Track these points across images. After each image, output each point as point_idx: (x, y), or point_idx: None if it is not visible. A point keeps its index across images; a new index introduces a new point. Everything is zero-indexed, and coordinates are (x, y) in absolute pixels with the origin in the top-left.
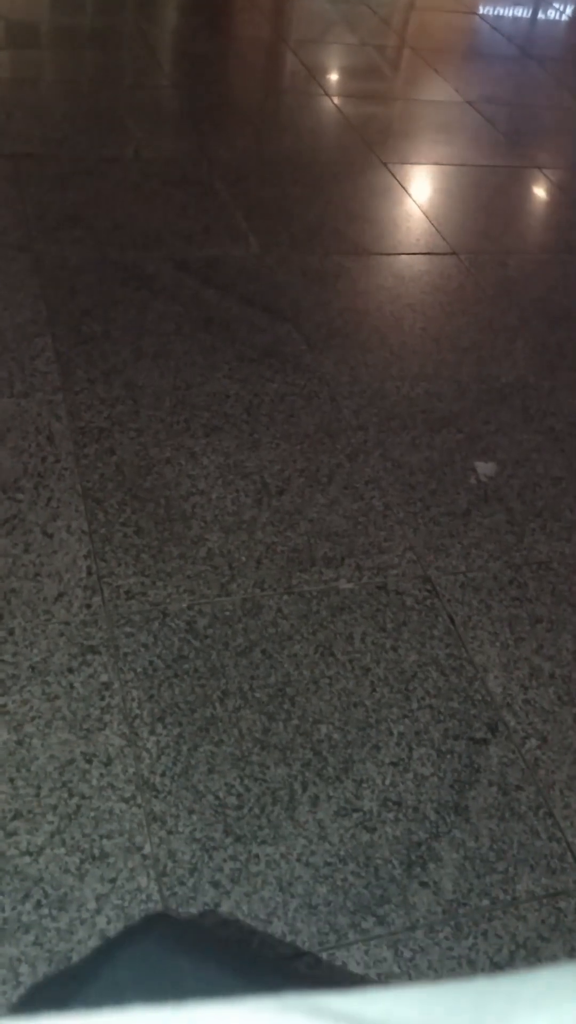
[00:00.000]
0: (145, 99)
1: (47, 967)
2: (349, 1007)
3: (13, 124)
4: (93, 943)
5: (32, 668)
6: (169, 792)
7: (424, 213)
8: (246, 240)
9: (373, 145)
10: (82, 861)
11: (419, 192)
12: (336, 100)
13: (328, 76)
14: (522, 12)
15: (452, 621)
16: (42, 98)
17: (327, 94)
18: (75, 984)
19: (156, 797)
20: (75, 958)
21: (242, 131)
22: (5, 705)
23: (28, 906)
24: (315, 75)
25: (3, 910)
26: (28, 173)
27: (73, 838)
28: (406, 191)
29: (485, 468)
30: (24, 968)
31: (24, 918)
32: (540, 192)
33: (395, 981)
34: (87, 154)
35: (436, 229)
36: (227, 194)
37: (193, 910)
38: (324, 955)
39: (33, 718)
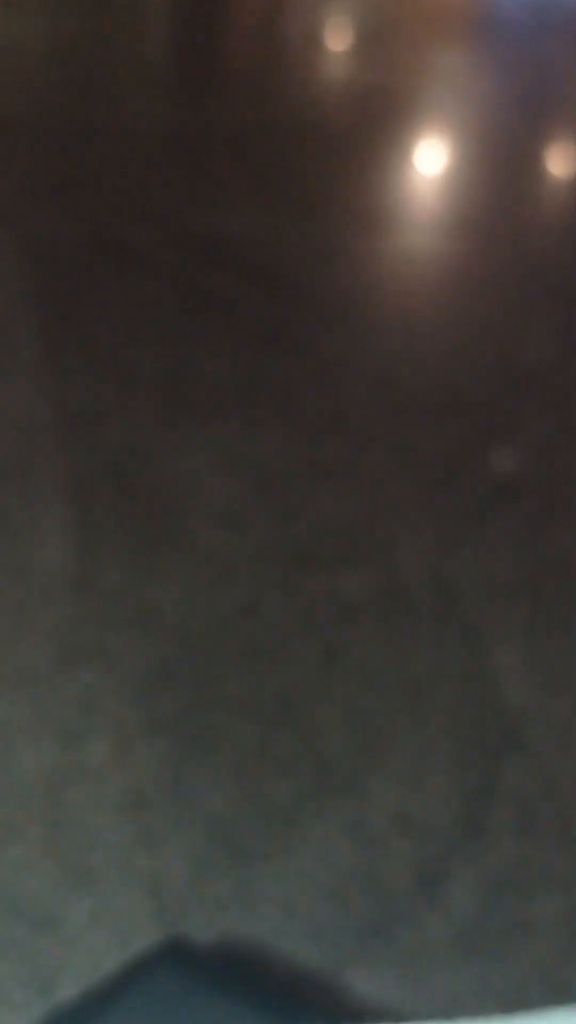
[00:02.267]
0: (139, 66)
1: (36, 986)
2: None
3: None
4: (83, 962)
5: (18, 672)
6: (162, 805)
7: (435, 185)
8: (247, 212)
9: (381, 114)
10: (72, 877)
11: (429, 163)
12: (341, 66)
13: (332, 41)
14: None
15: (467, 624)
16: (30, 66)
17: (331, 60)
18: (86, 1020)
19: (149, 810)
20: (64, 979)
21: (242, 98)
22: None
23: (16, 923)
24: (318, 40)
25: None
26: (16, 144)
27: (62, 853)
28: (416, 163)
29: (501, 459)
30: (13, 987)
31: (11, 936)
32: (558, 167)
33: (404, 1005)
34: (78, 123)
35: (447, 202)
36: (227, 163)
37: (189, 930)
38: (330, 979)
39: (19, 726)
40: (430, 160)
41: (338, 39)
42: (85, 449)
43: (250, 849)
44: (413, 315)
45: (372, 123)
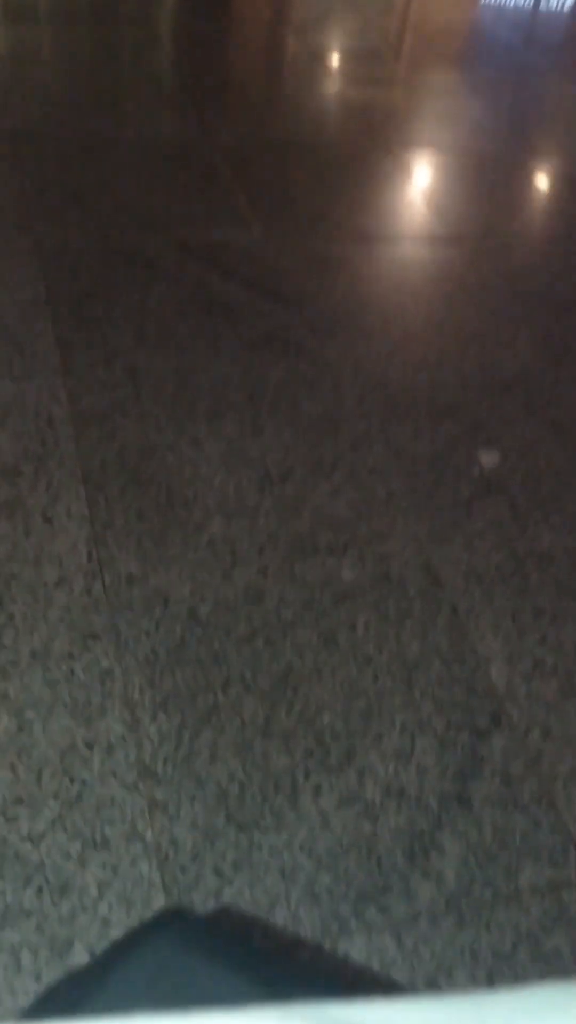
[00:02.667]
0: (146, 79)
1: (48, 953)
2: (350, 1015)
3: (12, 103)
4: (94, 929)
5: (33, 654)
6: (171, 779)
7: (428, 200)
8: (249, 224)
9: (377, 130)
10: (83, 848)
11: (423, 178)
12: (339, 84)
13: (331, 59)
14: (525, 0)
15: (455, 611)
16: (42, 77)
17: (330, 77)
18: (88, 986)
19: (158, 784)
20: (76, 945)
21: (245, 113)
22: (6, 691)
23: (30, 892)
24: (318, 58)
25: (4, 896)
26: (28, 153)
27: (74, 824)
28: (410, 177)
29: (488, 458)
30: (25, 954)
31: (26, 904)
32: (544, 180)
33: (397, 970)
34: (88, 134)
35: (440, 216)
36: (230, 177)
37: (195, 898)
38: (327, 944)
39: (34, 704)
40: (422, 174)
41: (337, 58)
42: (97, 444)
43: (253, 821)
44: (405, 322)
45: (368, 139)
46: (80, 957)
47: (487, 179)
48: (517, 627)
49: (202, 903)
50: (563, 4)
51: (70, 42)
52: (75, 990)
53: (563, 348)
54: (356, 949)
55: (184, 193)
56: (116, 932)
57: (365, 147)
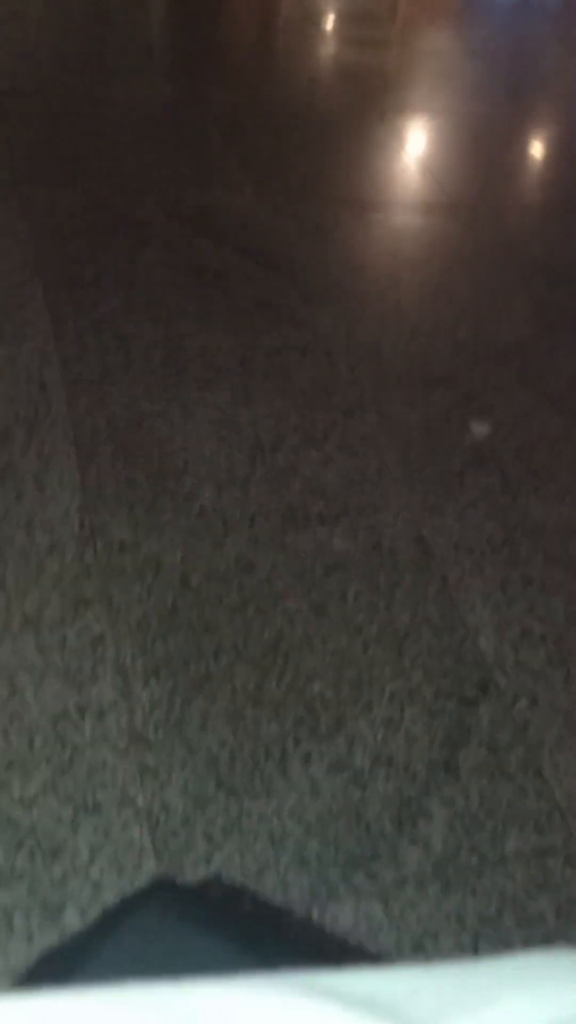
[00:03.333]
0: (138, 39)
1: (40, 916)
2: (339, 984)
3: (1, 62)
4: (86, 893)
5: (25, 619)
6: (162, 745)
7: (423, 166)
8: (240, 188)
9: (371, 94)
10: (75, 812)
11: (418, 144)
12: (333, 47)
13: (325, 22)
14: None
15: (445, 581)
16: (31, 36)
17: (324, 40)
18: (79, 956)
19: (149, 750)
20: (68, 908)
21: (237, 76)
22: None
23: (22, 855)
24: (311, 21)
25: None
26: (16, 112)
27: (66, 789)
28: (405, 142)
29: (481, 428)
30: (18, 916)
31: (17, 867)
32: (541, 146)
33: (384, 935)
34: (78, 95)
35: (435, 182)
36: (221, 140)
37: (186, 863)
38: (315, 909)
39: (26, 669)
40: (417, 140)
41: (332, 21)
42: (88, 410)
43: (243, 787)
44: (398, 290)
45: (362, 103)
46: (72, 920)
47: (483, 145)
48: (506, 597)
49: (192, 868)
50: None
51: (61, 5)
52: (67, 958)
53: (558, 317)
54: (344, 914)
55: (175, 156)
56: (107, 895)
57: (359, 112)
